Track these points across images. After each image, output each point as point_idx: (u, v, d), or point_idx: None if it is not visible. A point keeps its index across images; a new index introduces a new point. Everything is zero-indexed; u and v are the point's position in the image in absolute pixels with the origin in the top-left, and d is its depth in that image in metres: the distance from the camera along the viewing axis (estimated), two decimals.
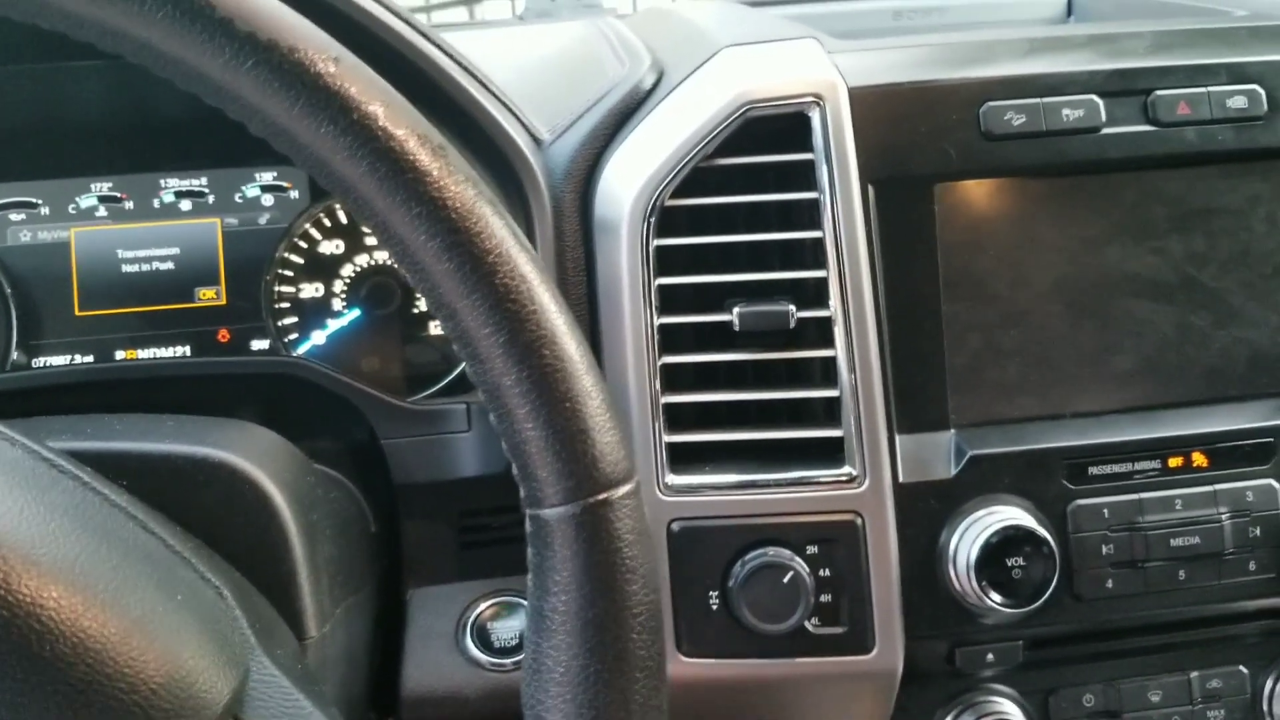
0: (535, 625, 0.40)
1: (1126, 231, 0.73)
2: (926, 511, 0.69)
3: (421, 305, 0.88)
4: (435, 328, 0.88)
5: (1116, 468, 0.70)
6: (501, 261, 0.38)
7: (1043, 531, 0.67)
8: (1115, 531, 0.69)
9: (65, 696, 0.37)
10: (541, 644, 0.40)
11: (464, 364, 0.40)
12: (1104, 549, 0.69)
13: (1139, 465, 0.70)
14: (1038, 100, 0.70)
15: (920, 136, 0.71)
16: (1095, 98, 0.70)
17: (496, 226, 0.39)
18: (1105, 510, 0.69)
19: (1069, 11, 1.06)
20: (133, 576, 0.41)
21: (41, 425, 0.56)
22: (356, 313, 0.88)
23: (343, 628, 0.61)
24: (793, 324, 0.67)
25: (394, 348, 0.89)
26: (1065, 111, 0.70)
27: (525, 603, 0.78)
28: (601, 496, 0.39)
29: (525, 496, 0.40)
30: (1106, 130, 0.71)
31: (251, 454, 0.55)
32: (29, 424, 0.56)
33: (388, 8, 0.73)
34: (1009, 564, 0.67)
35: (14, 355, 0.84)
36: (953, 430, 0.71)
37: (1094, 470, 0.70)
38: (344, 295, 0.88)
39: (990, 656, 0.71)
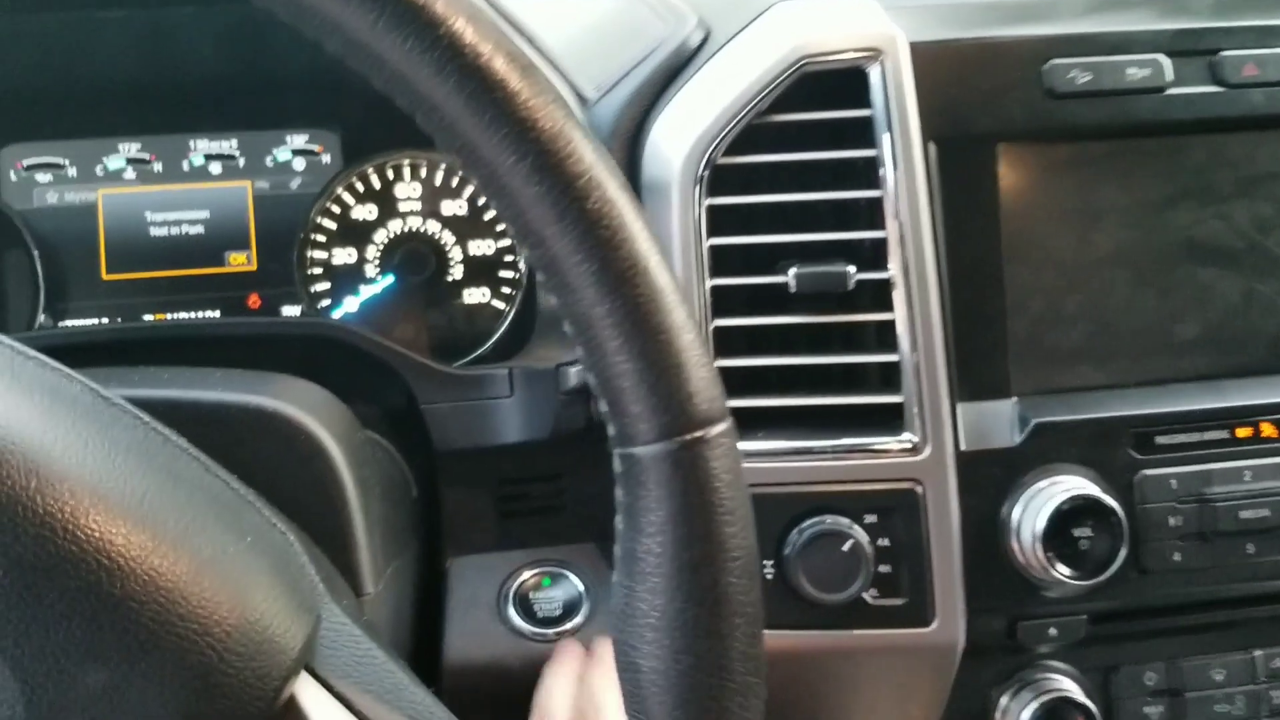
0: (627, 568, 0.38)
1: (1191, 196, 0.71)
2: (989, 481, 0.67)
3: (455, 273, 0.87)
4: (469, 296, 0.87)
5: (1184, 437, 0.68)
6: (593, 186, 0.37)
7: (1111, 502, 0.66)
8: (1183, 503, 0.67)
9: (136, 637, 0.35)
10: (635, 587, 0.38)
11: (550, 298, 0.39)
12: (1171, 520, 0.67)
13: (1207, 435, 0.68)
14: (1102, 58, 0.68)
15: (982, 94, 0.69)
16: (1161, 57, 0.69)
17: (586, 149, 0.37)
18: (1173, 481, 0.67)
19: None
20: (201, 516, 0.39)
21: (105, 374, 0.54)
22: (390, 279, 0.87)
23: (391, 590, 0.60)
24: (851, 286, 0.66)
25: (427, 316, 0.87)
26: (1130, 70, 0.69)
27: (568, 574, 0.78)
28: (698, 434, 0.37)
29: (615, 434, 0.38)
30: (1172, 90, 0.69)
31: (305, 405, 0.54)
32: (88, 374, 0.55)
33: None
34: (1075, 535, 0.66)
35: (41, 318, 0.83)
36: (1015, 398, 0.69)
37: (1161, 440, 0.68)
38: (377, 262, 0.86)
39: (1053, 631, 0.70)
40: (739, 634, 0.38)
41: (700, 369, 0.38)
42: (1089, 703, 0.70)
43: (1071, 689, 0.72)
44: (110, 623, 0.35)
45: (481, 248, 0.87)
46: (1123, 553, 0.65)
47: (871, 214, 0.68)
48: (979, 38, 0.69)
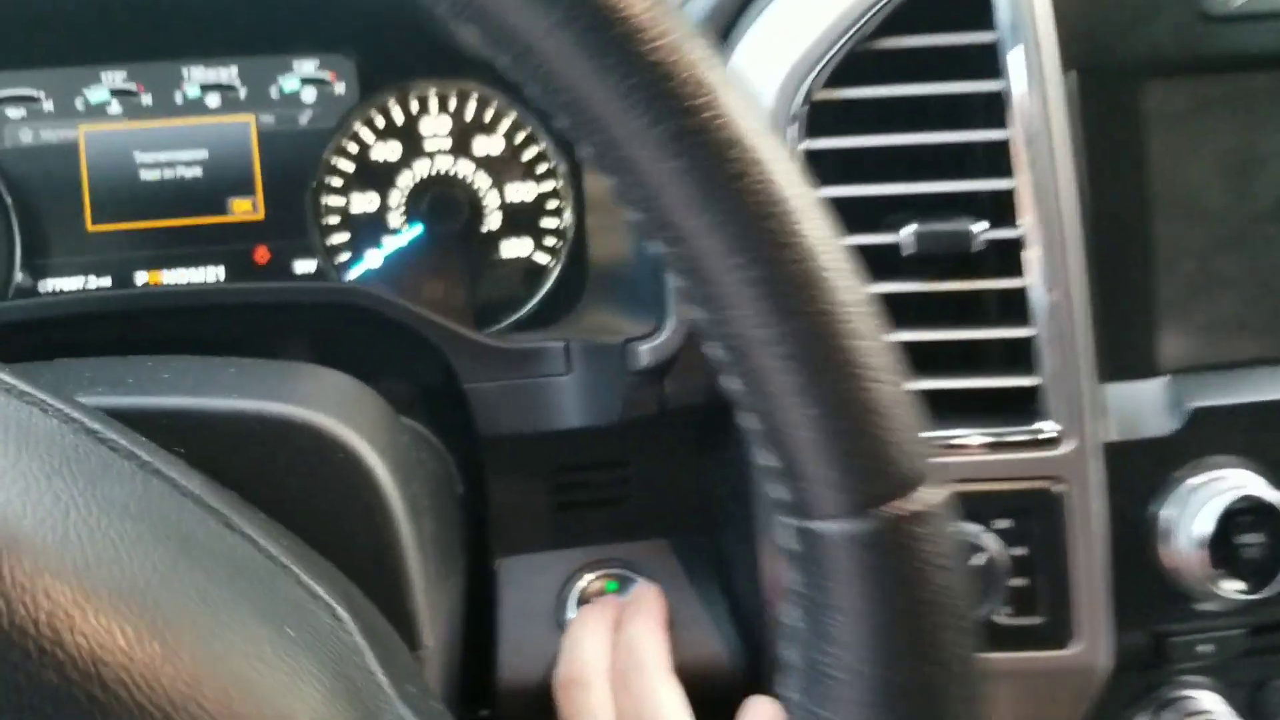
0: (809, 685, 0.29)
1: None
2: (1137, 476, 0.57)
3: (492, 223, 0.76)
4: (508, 249, 0.77)
5: None
6: (752, 167, 0.27)
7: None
8: None
9: None
10: (819, 712, 0.29)
11: (685, 304, 0.29)
12: None
13: None
14: None
15: (1128, 16, 0.58)
16: None
17: (738, 108, 0.27)
18: None
19: None
20: (226, 603, 0.29)
21: (68, 373, 0.44)
22: (418, 230, 0.76)
23: (444, 623, 0.50)
24: (979, 245, 0.55)
25: (460, 273, 0.77)
26: None
27: (635, 576, 0.69)
28: (909, 505, 0.28)
29: (790, 502, 0.29)
30: None
31: (341, 411, 0.43)
32: (56, 370, 0.44)
33: None
34: (1238, 542, 0.56)
35: (18, 277, 0.72)
36: (1167, 377, 0.60)
37: None
38: (402, 209, 0.75)
39: (1208, 648, 0.61)
40: None
41: (909, 417, 0.28)
42: None
43: (1217, 709, 0.63)
44: None
45: (521, 193, 0.76)
46: None
47: (993, 160, 0.57)
48: None
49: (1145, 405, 0.59)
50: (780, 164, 0.28)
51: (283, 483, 0.41)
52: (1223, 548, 0.56)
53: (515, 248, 0.76)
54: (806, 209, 0.27)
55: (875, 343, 0.28)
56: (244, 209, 0.75)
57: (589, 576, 0.66)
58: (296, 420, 0.42)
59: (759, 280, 0.27)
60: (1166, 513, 0.58)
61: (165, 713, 0.26)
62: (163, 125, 0.74)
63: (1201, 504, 0.56)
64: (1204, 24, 0.59)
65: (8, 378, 0.31)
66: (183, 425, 0.40)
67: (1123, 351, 0.59)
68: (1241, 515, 0.56)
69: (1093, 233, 0.58)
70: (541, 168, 0.76)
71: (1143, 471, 0.58)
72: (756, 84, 0.58)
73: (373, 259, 0.76)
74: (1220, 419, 0.58)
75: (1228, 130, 0.60)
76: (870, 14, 0.57)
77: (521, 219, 0.76)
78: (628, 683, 0.57)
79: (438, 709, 0.36)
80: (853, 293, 0.28)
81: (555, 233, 0.77)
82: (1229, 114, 0.60)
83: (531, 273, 0.76)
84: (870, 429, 0.27)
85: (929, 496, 0.28)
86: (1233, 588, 0.56)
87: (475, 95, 0.76)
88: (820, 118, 0.58)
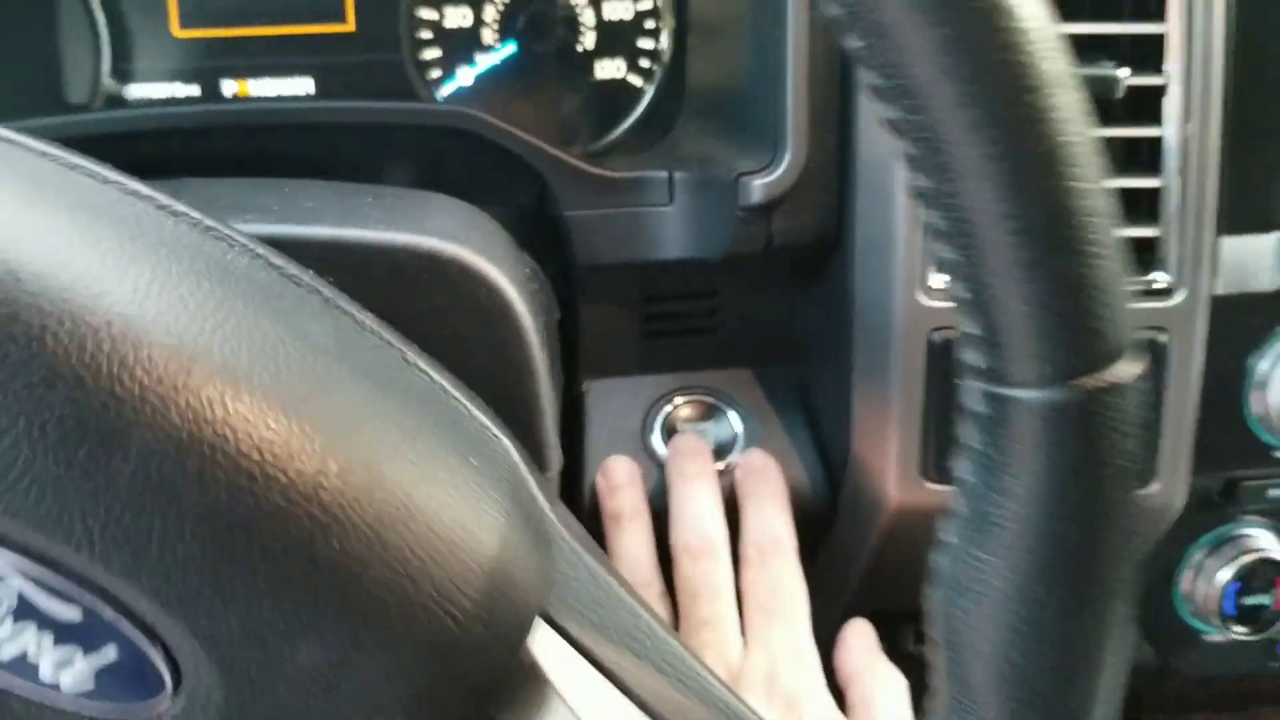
0: (976, 533, 0.29)
1: None
2: (1239, 329, 0.57)
3: (587, 42, 0.73)
4: (602, 69, 0.74)
5: None
6: (1013, 41, 0.25)
7: None
8: None
9: (359, 606, 0.26)
10: (985, 557, 0.29)
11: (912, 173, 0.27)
12: None
13: None
14: None
15: None
16: None
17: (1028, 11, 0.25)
18: None
19: None
20: (419, 435, 0.29)
21: (205, 194, 0.43)
22: (511, 48, 0.73)
23: None
24: (1121, 92, 0.53)
25: (553, 94, 0.74)
26: None
27: (724, 406, 0.69)
28: (1107, 378, 0.27)
29: (985, 367, 0.28)
30: None
31: (481, 245, 0.42)
32: (188, 190, 0.43)
33: None
34: None
35: (106, 81, 0.70)
36: (1278, 232, 0.58)
37: None
38: (496, 26, 0.72)
39: (1275, 492, 0.62)
40: (1114, 635, 0.29)
41: (1123, 294, 0.27)
42: None
43: (1273, 547, 0.64)
44: (327, 590, 0.26)
45: (618, 11, 0.73)
46: None
47: (1142, 4, 0.54)
48: None
49: (1256, 260, 0.57)
50: (1043, 40, 0.26)
51: (429, 314, 0.40)
52: None
53: (610, 68, 0.73)
54: (1063, 88, 0.26)
55: (1104, 221, 0.26)
56: (335, 19, 0.72)
57: (677, 400, 0.66)
58: (444, 254, 0.41)
59: (1003, 155, 0.26)
60: (1263, 364, 0.57)
61: (376, 531, 0.26)
62: None
63: None
64: None
65: (196, 214, 0.30)
66: (333, 255, 0.39)
67: (1244, 205, 0.57)
68: None
69: (1238, 83, 0.55)
70: None
71: (1245, 324, 0.58)
72: None
73: (465, 76, 0.73)
74: None
75: None
76: None
77: (617, 38, 0.73)
78: (764, 562, 0.58)
79: (579, 529, 0.36)
80: (1093, 176, 0.26)
81: (651, 54, 0.73)
82: None
83: (626, 95, 0.74)
84: (1086, 305, 0.26)
85: (1126, 370, 0.27)
86: None
87: None
88: None
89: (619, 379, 0.67)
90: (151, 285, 0.26)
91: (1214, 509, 0.64)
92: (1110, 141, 0.55)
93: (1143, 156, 0.55)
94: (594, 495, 0.64)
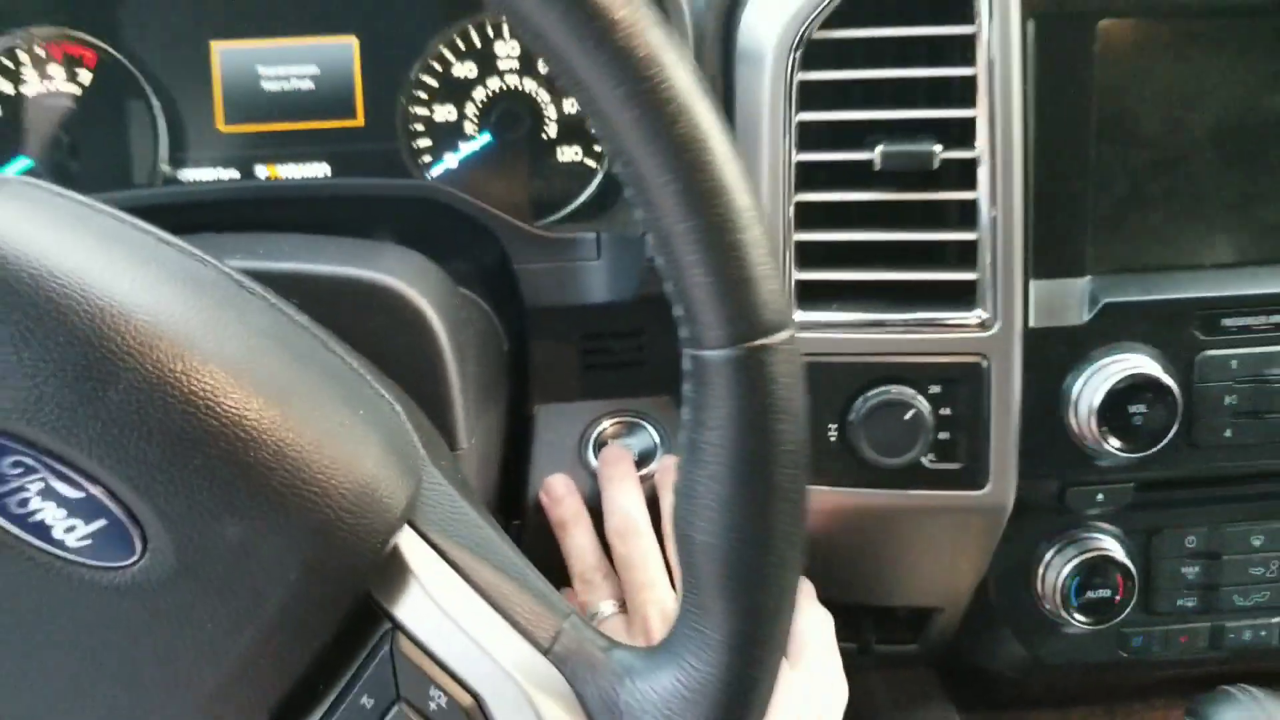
0: (691, 456, 0.41)
1: None
2: (1054, 356, 0.68)
3: (550, 131, 0.88)
4: (562, 154, 0.88)
5: (1250, 320, 0.68)
6: (683, 112, 0.38)
7: (1168, 380, 0.66)
8: (1240, 383, 0.68)
9: (267, 498, 0.39)
10: (696, 472, 0.41)
11: (634, 209, 0.40)
12: (1226, 399, 0.67)
13: (1274, 318, 0.68)
14: None
15: None
16: None
17: (681, 77, 0.38)
18: (1233, 362, 0.67)
19: None
20: (322, 392, 0.43)
21: (216, 243, 0.58)
22: (487, 137, 0.88)
23: (481, 440, 0.64)
24: (936, 164, 0.65)
25: (522, 173, 0.88)
26: None
27: (643, 423, 0.81)
28: (760, 342, 0.39)
29: (687, 337, 0.40)
30: None
31: (411, 278, 0.56)
32: (204, 240, 0.58)
33: None
34: (1130, 411, 0.67)
35: (163, 167, 0.87)
36: (1089, 277, 0.69)
37: (1226, 322, 0.68)
38: (476, 119, 0.87)
39: (1100, 497, 0.72)
40: (783, 517, 0.40)
41: (768, 283, 0.39)
42: (1128, 562, 0.73)
43: (1113, 549, 0.74)
44: (245, 486, 0.39)
45: (576, 106, 0.88)
46: (1174, 428, 0.67)
47: (963, 92, 0.67)
48: None
49: (1067, 299, 0.68)
50: (703, 113, 0.39)
51: (366, 327, 0.54)
52: (1118, 417, 0.67)
53: (569, 153, 0.88)
54: (718, 145, 0.38)
55: (754, 234, 0.39)
56: (346, 116, 0.88)
57: (607, 422, 0.79)
58: (378, 283, 0.55)
59: (678, 192, 0.38)
60: (1076, 386, 0.68)
61: (280, 448, 0.39)
62: (281, 44, 0.87)
63: (1100, 380, 0.67)
64: None
65: (184, 244, 0.44)
66: (297, 283, 0.53)
67: (1056, 255, 0.68)
68: (1136, 391, 0.67)
69: (1038, 155, 0.68)
70: None
71: (1060, 353, 0.68)
72: (766, 24, 0.68)
73: (450, 161, 0.88)
74: (1127, 312, 0.68)
75: (1170, 68, 0.68)
76: None
77: (575, 129, 0.88)
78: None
79: (461, 479, 0.49)
80: (743, 201, 0.39)
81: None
82: (1169, 55, 0.68)
83: (581, 174, 0.88)
84: (743, 291, 0.38)
85: (779, 337, 0.39)
86: (1115, 446, 0.66)
87: None
88: (818, 53, 0.67)
89: (563, 404, 0.80)
90: (141, 284, 0.40)
91: (1062, 513, 0.75)
92: (939, 203, 0.67)
93: (963, 215, 0.67)
94: (535, 493, 0.76)
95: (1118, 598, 0.73)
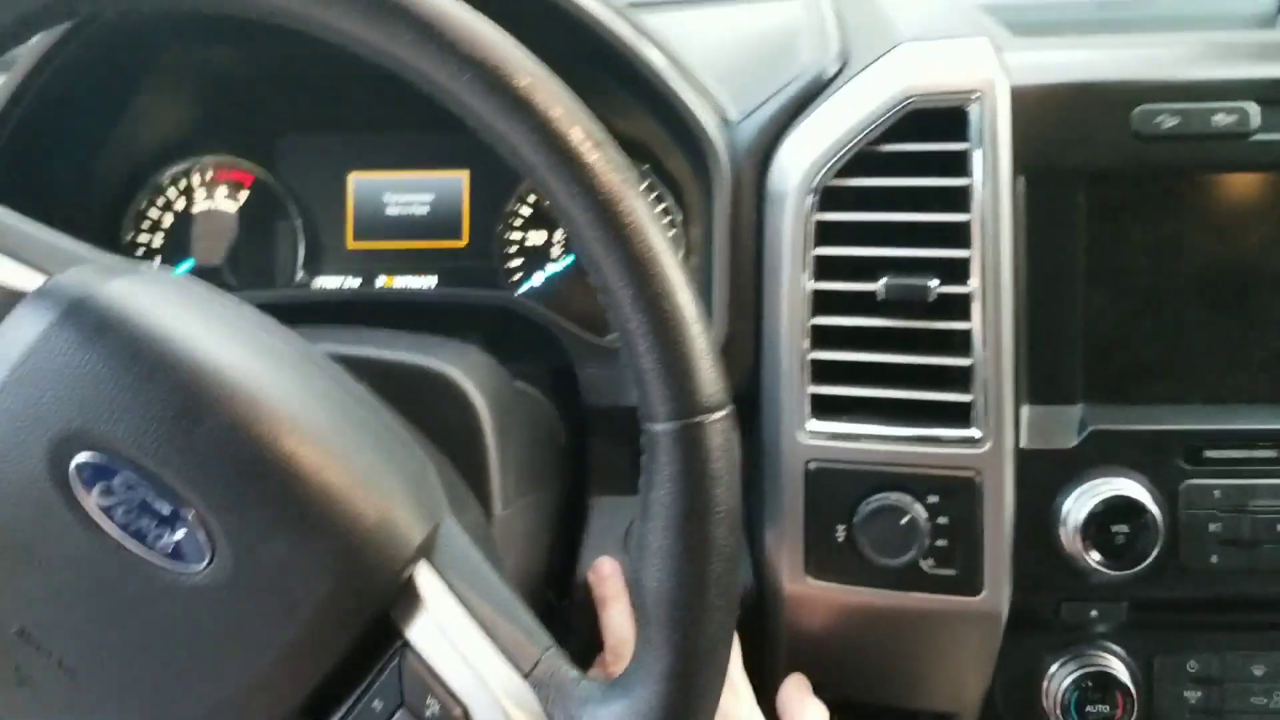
0: (642, 512, 0.49)
1: (1271, 231, 0.73)
2: (1045, 476, 0.73)
3: None
4: None
5: (1234, 453, 0.72)
6: (637, 234, 0.47)
7: (1149, 504, 0.70)
8: (1224, 512, 0.72)
9: (308, 524, 0.49)
10: (646, 526, 0.49)
11: (605, 309, 0.50)
12: (1211, 526, 0.71)
13: (1256, 453, 0.72)
14: (1190, 105, 0.72)
15: (1073, 133, 0.73)
16: (1249, 104, 0.72)
17: (638, 208, 0.48)
18: (1216, 491, 0.71)
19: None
20: (363, 445, 0.53)
21: (315, 332, 0.70)
22: (569, 260, 1.00)
23: (526, 515, 0.73)
24: (932, 298, 0.73)
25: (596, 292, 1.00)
26: (1217, 117, 0.72)
27: None
28: (698, 419, 0.47)
29: (641, 412, 0.49)
30: (1258, 136, 0.71)
31: (464, 369, 0.67)
32: (306, 331, 0.70)
33: (609, 6, 0.83)
34: (1114, 530, 0.71)
35: (299, 275, 1.01)
36: (1081, 405, 0.74)
37: (1210, 454, 0.72)
38: (560, 244, 1.00)
39: (1094, 613, 0.75)
40: (716, 567, 0.48)
41: (705, 371, 0.48)
42: (1128, 681, 0.76)
43: (1115, 667, 0.77)
44: (291, 512, 0.49)
45: None
46: (1157, 550, 0.71)
47: (960, 235, 0.75)
48: (1073, 82, 0.74)
49: (1058, 424, 0.74)
50: (655, 235, 0.48)
51: (422, 405, 0.65)
52: (1103, 536, 0.71)
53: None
54: (665, 258, 0.48)
55: (695, 330, 0.48)
56: (454, 238, 1.01)
57: None
58: (433, 369, 0.66)
59: (632, 295, 0.47)
60: (1066, 505, 0.73)
61: (322, 488, 0.49)
62: (406, 175, 1.01)
63: (1087, 499, 0.72)
64: (1136, 142, 0.73)
65: (274, 324, 0.56)
66: (370, 366, 0.64)
67: (1049, 383, 0.74)
68: (1120, 512, 0.71)
69: (1031, 295, 0.74)
70: (666, 218, 0.98)
71: (1052, 473, 0.74)
72: (791, 172, 0.78)
73: (537, 279, 1.00)
74: (1114, 440, 0.73)
75: (1153, 222, 0.74)
76: (873, 127, 0.75)
77: None
78: None
79: (482, 534, 0.58)
80: (684, 301, 0.47)
81: None
82: (1154, 211, 0.74)
83: None
84: (684, 376, 0.47)
85: (714, 416, 0.48)
86: (1098, 561, 0.71)
87: None
88: (833, 198, 0.77)
89: (616, 496, 0.89)
90: (232, 352, 0.51)
91: (1069, 629, 0.78)
92: (937, 332, 0.75)
93: (961, 343, 0.74)
94: (582, 575, 0.84)
95: (1118, 714, 0.76)
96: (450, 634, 0.53)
